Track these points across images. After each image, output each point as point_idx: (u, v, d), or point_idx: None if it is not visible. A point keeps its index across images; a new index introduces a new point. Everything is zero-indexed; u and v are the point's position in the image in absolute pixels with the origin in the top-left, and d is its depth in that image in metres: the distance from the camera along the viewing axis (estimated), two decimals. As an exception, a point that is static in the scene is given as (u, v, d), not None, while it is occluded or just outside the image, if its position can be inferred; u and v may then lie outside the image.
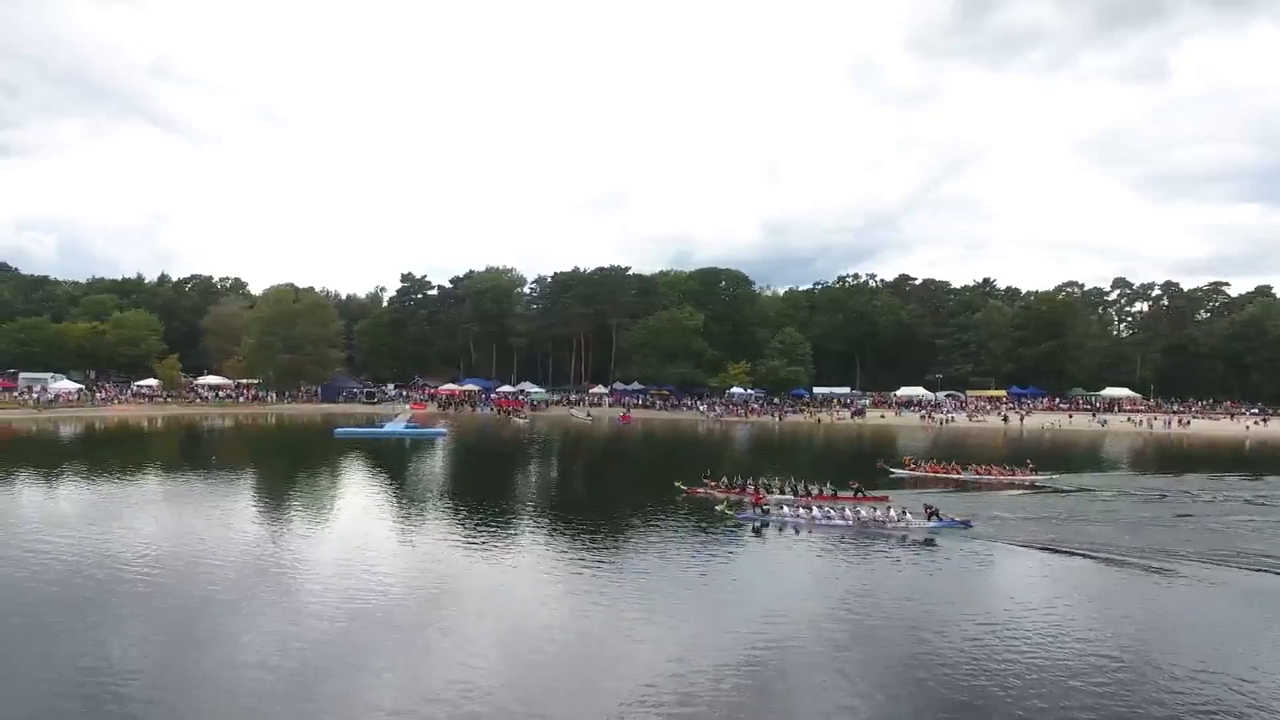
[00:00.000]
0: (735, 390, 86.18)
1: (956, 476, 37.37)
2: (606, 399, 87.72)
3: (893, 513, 26.40)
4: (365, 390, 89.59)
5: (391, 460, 43.56)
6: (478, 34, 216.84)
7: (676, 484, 31.89)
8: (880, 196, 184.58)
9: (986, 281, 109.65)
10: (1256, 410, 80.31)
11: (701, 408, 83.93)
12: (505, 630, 16.05)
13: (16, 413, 64.96)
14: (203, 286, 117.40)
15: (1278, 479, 38.91)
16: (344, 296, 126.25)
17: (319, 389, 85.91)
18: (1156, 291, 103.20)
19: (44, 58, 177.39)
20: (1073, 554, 22.67)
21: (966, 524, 25.80)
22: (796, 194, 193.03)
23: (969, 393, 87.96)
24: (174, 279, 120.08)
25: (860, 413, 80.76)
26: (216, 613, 16.39)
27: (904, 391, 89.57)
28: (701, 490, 30.96)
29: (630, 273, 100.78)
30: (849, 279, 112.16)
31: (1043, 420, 76.34)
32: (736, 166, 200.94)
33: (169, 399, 78.37)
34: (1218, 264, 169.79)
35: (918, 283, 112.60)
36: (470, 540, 23.47)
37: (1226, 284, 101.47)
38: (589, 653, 15.10)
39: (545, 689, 13.22)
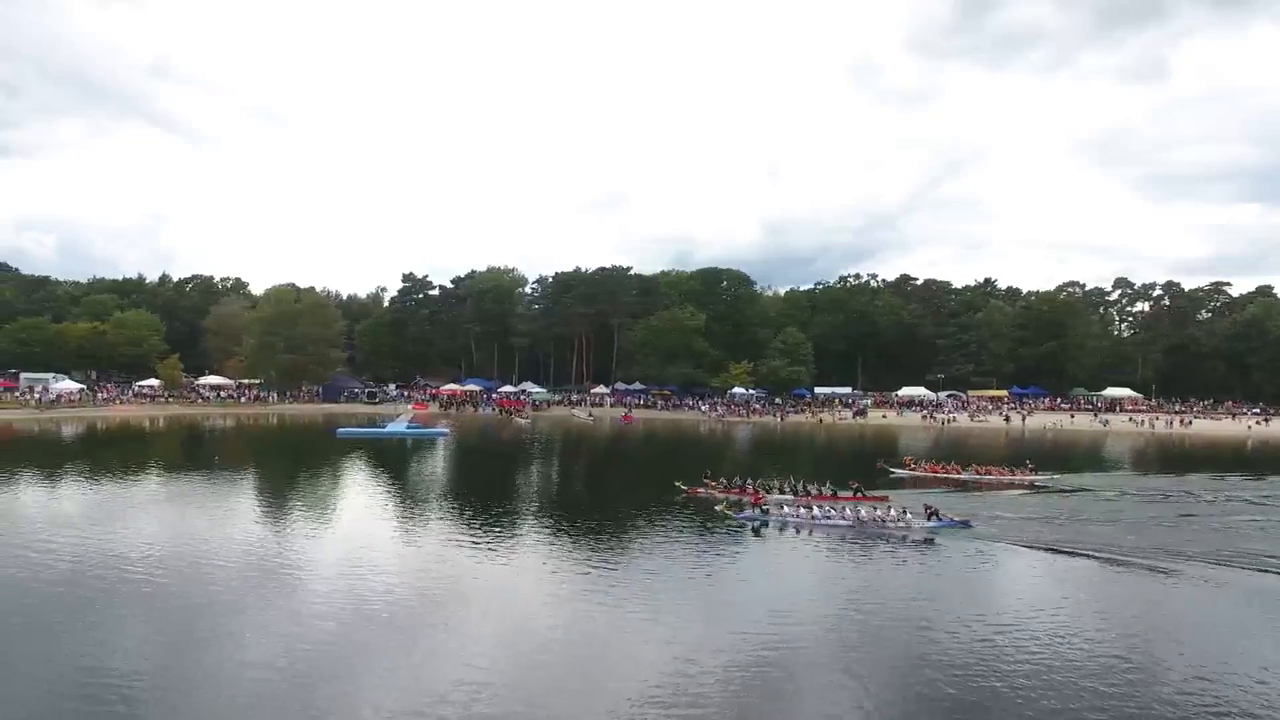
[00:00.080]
0: (737, 390, 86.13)
1: (957, 476, 37.35)
2: (608, 399, 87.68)
3: (893, 512, 26.40)
4: (367, 390, 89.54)
5: (393, 460, 43.58)
6: (478, 34, 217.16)
7: (677, 484, 31.90)
8: (880, 196, 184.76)
9: (988, 281, 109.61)
10: (1258, 410, 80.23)
11: (703, 408, 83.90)
12: (509, 630, 16.06)
13: (18, 413, 65.05)
14: (204, 287, 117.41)
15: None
16: (345, 296, 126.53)
17: (320, 389, 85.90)
18: (1158, 291, 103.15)
19: (44, 58, 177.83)
20: (1075, 554, 22.64)
21: (966, 524, 25.80)
22: (796, 194, 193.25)
23: (970, 393, 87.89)
24: (175, 279, 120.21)
25: (862, 413, 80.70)
26: (219, 613, 16.40)
27: (905, 391, 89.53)
28: (702, 490, 30.97)
29: (631, 273, 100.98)
30: (850, 279, 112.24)
31: (1044, 420, 76.27)
32: (736, 166, 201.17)
33: (170, 399, 78.45)
34: (1218, 264, 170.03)
35: (919, 283, 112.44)
36: (473, 540, 23.48)
37: (1228, 284, 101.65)
38: (594, 653, 15.11)
39: (551, 689, 13.23)
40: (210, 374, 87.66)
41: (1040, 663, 14.45)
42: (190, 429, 60.57)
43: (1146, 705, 12.79)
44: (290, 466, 41.97)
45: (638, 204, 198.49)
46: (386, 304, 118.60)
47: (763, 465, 41.22)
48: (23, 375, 79.66)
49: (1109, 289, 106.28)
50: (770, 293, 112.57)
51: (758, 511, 26.98)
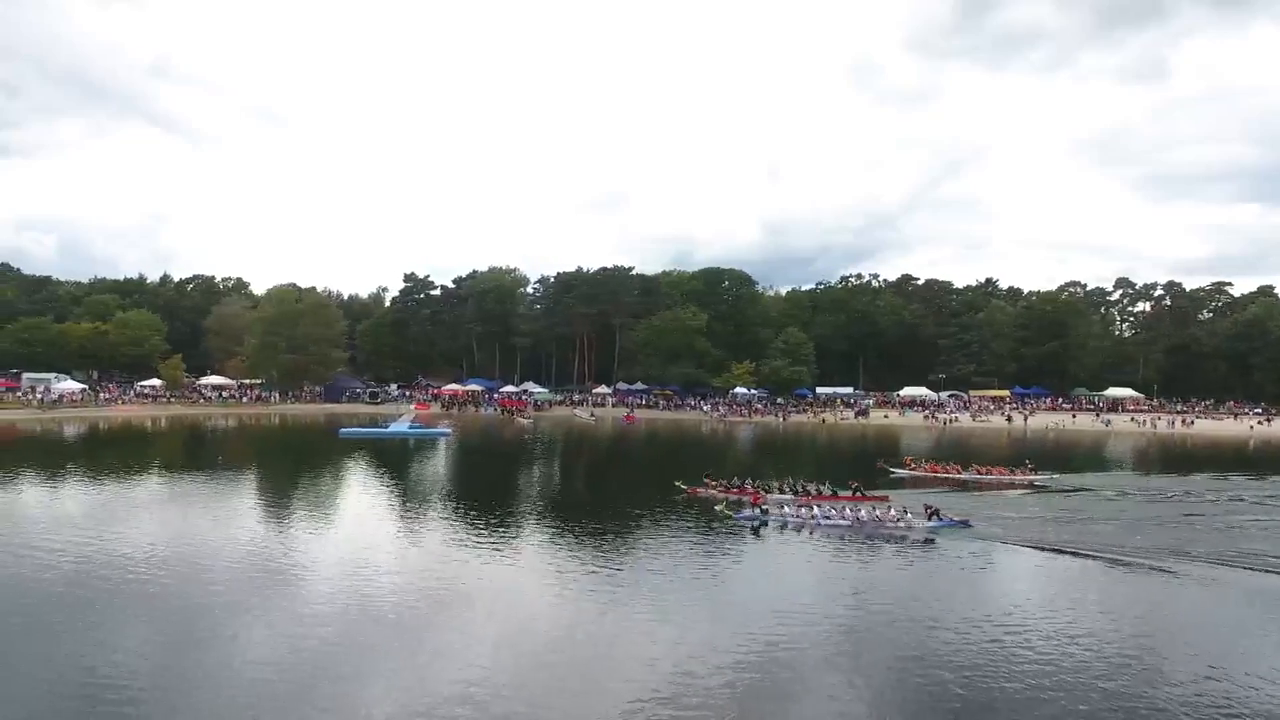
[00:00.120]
0: (739, 390, 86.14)
1: (957, 476, 37.30)
2: (610, 399, 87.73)
3: (893, 512, 26.38)
4: (369, 390, 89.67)
5: (396, 460, 43.61)
6: (478, 34, 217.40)
7: (677, 483, 31.92)
8: (880, 196, 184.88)
9: (989, 281, 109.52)
10: (1260, 410, 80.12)
11: (705, 408, 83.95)
12: (512, 630, 16.05)
13: (21, 413, 65.23)
14: (205, 287, 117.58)
15: (1282, 479, 38.75)
16: (346, 296, 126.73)
17: (322, 389, 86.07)
18: (1159, 291, 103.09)
19: (44, 58, 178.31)
20: (1076, 554, 22.59)
21: (966, 524, 25.77)
22: (796, 194, 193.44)
23: (972, 393, 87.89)
24: (175, 279, 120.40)
25: (864, 413, 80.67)
26: (221, 613, 16.41)
27: (907, 391, 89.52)
28: (702, 490, 30.98)
29: (633, 273, 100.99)
30: (852, 279, 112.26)
31: (1046, 420, 76.18)
32: (736, 166, 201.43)
33: (172, 399, 78.62)
34: (1218, 264, 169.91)
35: (920, 283, 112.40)
36: (475, 540, 23.49)
37: (1229, 284, 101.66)
38: (597, 653, 15.10)
39: (553, 689, 13.22)
40: (212, 374, 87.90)
41: (1043, 662, 14.42)
42: (192, 429, 60.66)
43: (1150, 705, 12.76)
44: (293, 466, 42.02)
45: (638, 204, 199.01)
46: (388, 304, 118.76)
47: (764, 465, 41.19)
48: (25, 375, 79.93)
49: (1110, 289, 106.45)
50: (771, 293, 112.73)
51: (757, 511, 26.97)
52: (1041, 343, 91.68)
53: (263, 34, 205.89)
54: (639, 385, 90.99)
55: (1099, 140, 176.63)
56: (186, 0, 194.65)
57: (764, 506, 27.39)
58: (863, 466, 39.86)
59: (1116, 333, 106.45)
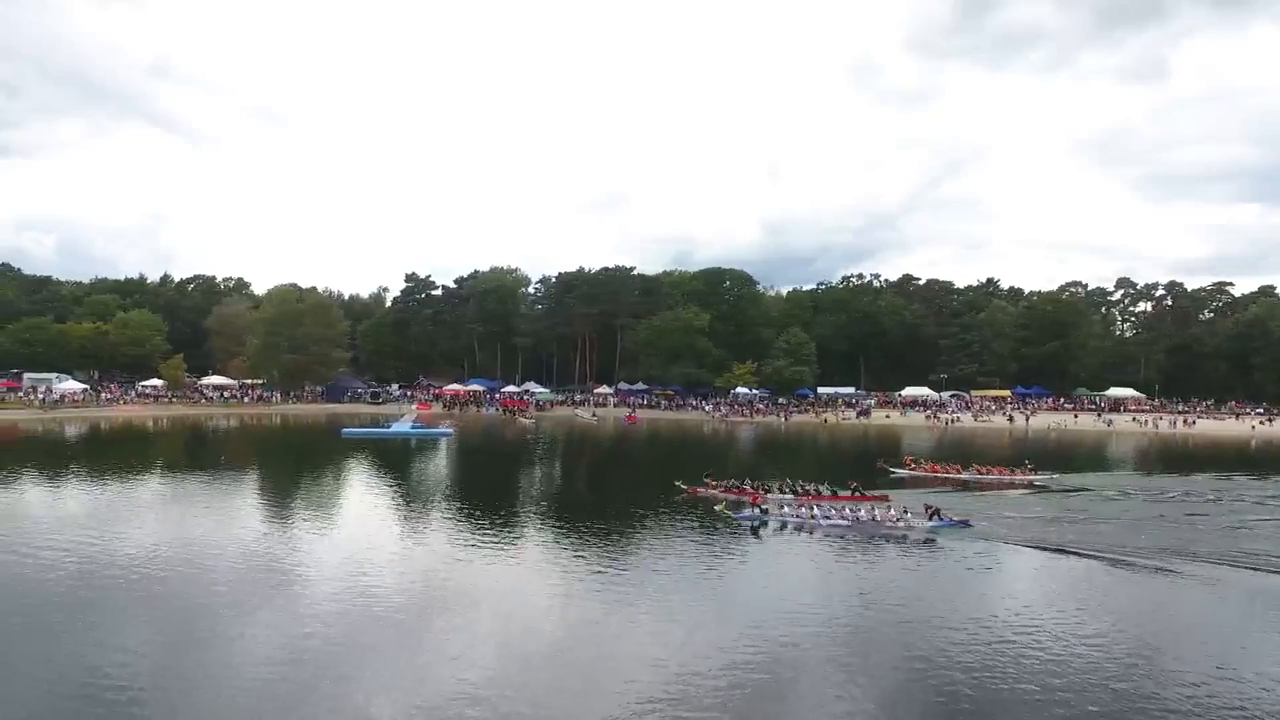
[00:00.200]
0: (740, 390, 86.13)
1: (957, 476, 37.27)
2: (611, 399, 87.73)
3: (893, 512, 26.36)
4: (370, 390, 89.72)
5: (398, 460, 43.62)
6: (478, 34, 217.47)
7: (677, 483, 31.91)
8: (880, 196, 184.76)
9: (990, 281, 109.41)
10: (1261, 410, 79.96)
11: (707, 408, 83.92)
12: (515, 630, 16.05)
13: (22, 413, 65.29)
14: (206, 287, 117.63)
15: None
16: (347, 297, 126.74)
17: (324, 389, 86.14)
18: (1160, 291, 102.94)
19: (44, 58, 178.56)
20: (1077, 554, 22.56)
21: (967, 523, 25.74)
22: (796, 194, 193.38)
23: (974, 392, 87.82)
24: (176, 279, 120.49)
25: (865, 413, 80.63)
26: (222, 613, 16.41)
27: (909, 391, 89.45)
28: (703, 490, 30.97)
29: (634, 273, 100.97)
30: (853, 279, 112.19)
31: (1048, 420, 76.08)
32: (736, 166, 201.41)
33: (174, 399, 78.67)
34: (1218, 264, 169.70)
35: (921, 283, 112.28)
36: (477, 541, 23.49)
37: (1230, 284, 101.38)
38: (601, 653, 15.09)
39: (557, 689, 13.22)
40: (213, 374, 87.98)
41: (1052, 663, 14.40)
42: (194, 429, 60.70)
43: (1162, 706, 12.74)
44: (294, 467, 42.05)
45: (638, 204, 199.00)
46: (389, 304, 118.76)
47: (766, 465, 41.15)
48: (26, 375, 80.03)
49: (1111, 289, 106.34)
50: (772, 293, 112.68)
51: (757, 511, 26.95)
52: (1043, 343, 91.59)
53: (263, 34, 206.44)
54: (640, 385, 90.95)
55: (1099, 140, 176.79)
56: (186, 0, 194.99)
57: (764, 506, 27.37)
58: (864, 466, 39.84)
59: (1117, 333, 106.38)
